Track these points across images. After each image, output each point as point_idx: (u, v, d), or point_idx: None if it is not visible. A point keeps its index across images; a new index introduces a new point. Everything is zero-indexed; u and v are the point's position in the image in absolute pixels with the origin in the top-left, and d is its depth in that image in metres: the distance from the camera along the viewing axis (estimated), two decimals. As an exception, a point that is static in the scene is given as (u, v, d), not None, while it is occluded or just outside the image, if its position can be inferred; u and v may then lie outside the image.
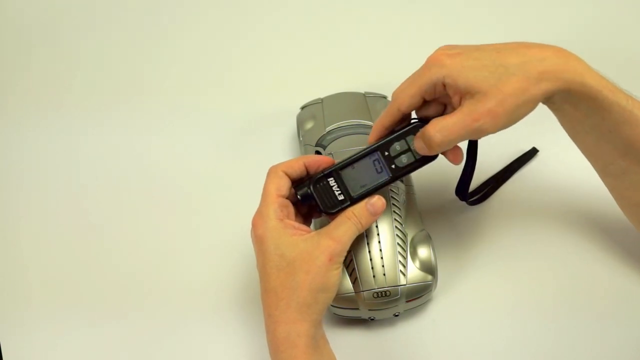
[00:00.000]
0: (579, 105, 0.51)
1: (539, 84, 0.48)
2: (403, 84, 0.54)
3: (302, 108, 0.74)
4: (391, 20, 0.89)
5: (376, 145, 0.55)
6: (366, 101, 0.71)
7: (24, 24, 0.94)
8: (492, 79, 0.48)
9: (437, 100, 0.54)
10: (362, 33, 0.88)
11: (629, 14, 0.87)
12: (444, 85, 0.51)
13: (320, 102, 0.73)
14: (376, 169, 0.54)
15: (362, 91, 0.73)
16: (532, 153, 0.72)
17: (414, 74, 0.53)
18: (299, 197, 0.54)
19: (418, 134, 0.53)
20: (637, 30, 0.85)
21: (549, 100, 0.51)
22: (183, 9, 0.94)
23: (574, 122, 0.53)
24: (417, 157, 0.54)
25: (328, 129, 0.67)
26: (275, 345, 0.50)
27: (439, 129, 0.50)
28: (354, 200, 0.54)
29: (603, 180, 0.58)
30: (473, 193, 0.68)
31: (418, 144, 0.53)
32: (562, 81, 0.49)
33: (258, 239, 0.52)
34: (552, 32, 0.85)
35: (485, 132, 0.49)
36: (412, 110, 0.55)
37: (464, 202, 0.66)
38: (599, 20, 0.87)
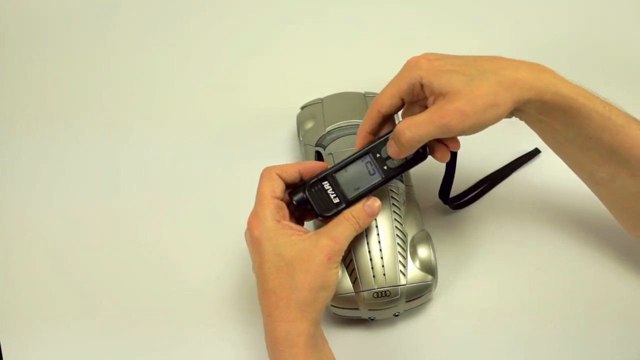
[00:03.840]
0: (555, 115, 0.51)
1: (511, 90, 0.49)
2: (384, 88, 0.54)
3: (302, 108, 0.74)
4: (391, 21, 0.89)
5: (368, 147, 0.55)
6: (366, 101, 0.71)
7: (25, 27, 0.94)
8: (465, 80, 0.49)
9: (421, 104, 0.54)
10: (362, 33, 0.88)
11: (626, 14, 0.87)
12: (422, 87, 0.51)
13: (320, 102, 0.72)
14: (369, 171, 0.55)
15: (362, 91, 0.73)
16: (534, 153, 0.72)
17: (394, 77, 0.54)
18: (294, 202, 0.55)
19: (390, 135, 0.53)
20: (634, 31, 0.85)
21: (523, 111, 0.52)
22: (183, 9, 0.94)
23: (554, 133, 0.53)
24: (408, 158, 0.55)
25: (328, 129, 0.67)
26: (274, 344, 0.50)
27: (407, 125, 0.50)
28: (349, 203, 0.54)
29: (591, 189, 0.58)
30: (462, 195, 0.68)
31: (390, 147, 0.53)
32: (535, 90, 0.49)
33: (254, 240, 0.52)
34: (548, 35, 0.85)
35: (452, 131, 0.49)
36: (392, 113, 0.55)
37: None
38: (593, 20, 0.87)
